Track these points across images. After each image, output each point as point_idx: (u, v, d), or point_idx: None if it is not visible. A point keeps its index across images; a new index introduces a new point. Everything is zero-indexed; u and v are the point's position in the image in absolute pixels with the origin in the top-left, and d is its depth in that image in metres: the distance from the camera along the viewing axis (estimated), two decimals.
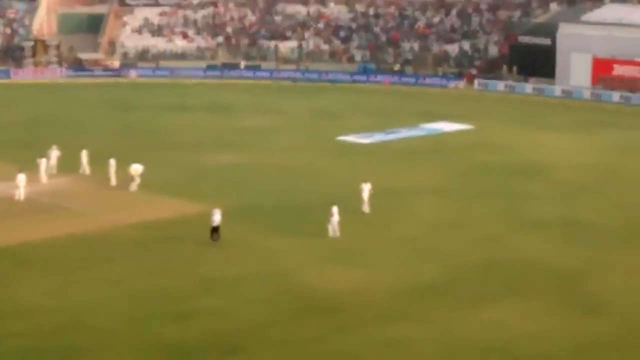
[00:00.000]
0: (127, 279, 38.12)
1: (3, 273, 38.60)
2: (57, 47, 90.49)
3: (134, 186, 50.36)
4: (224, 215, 43.14)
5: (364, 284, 37.72)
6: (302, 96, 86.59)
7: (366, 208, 47.97)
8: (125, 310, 34.46)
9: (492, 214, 48.54)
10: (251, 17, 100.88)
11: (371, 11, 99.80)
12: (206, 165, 58.57)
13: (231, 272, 38.74)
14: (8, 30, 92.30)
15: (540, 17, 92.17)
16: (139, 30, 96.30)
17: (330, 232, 44.57)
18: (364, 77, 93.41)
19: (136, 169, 51.85)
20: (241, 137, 66.95)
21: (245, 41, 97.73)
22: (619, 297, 35.47)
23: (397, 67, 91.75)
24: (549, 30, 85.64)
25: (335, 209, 44.58)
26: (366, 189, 47.38)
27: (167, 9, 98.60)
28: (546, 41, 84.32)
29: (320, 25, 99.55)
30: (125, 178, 53.21)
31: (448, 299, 35.71)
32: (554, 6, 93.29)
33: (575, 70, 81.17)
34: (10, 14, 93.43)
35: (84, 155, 55.43)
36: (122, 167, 53.86)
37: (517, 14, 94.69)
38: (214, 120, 73.84)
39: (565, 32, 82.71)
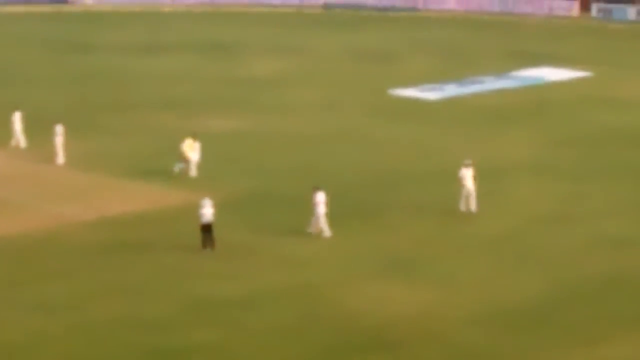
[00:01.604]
0: (82, 302, 36.86)
1: None
2: None
3: (189, 169, 51.53)
4: (218, 208, 42.64)
5: (431, 307, 36.57)
6: (337, 29, 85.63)
7: (472, 205, 47.23)
8: (78, 351, 33.26)
9: (616, 202, 48.16)
10: None
11: None
12: (193, 134, 57.07)
13: (233, 292, 37.55)
14: None
15: None
16: None
17: (312, 229, 44.81)
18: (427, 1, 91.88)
19: (191, 144, 52.87)
20: (245, 91, 69.95)
21: None
22: None
23: None
24: None
25: (321, 197, 44.76)
26: (468, 175, 46.61)
27: None
28: None
29: None
30: (77, 151, 54.36)
31: (552, 329, 34.61)
32: None
33: None
34: None
35: (17, 120, 56.64)
36: (75, 136, 55.28)
37: None
38: (205, 67, 74.49)
39: None
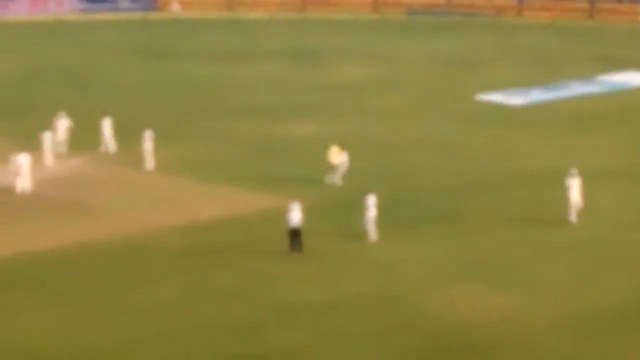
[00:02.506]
0: (169, 307, 37.15)
1: None
2: None
3: (334, 177, 51.11)
4: (306, 212, 42.68)
5: (516, 312, 36.59)
6: (421, 35, 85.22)
7: (573, 217, 46.64)
8: (165, 356, 33.73)
9: None
10: None
11: None
12: (281, 139, 59.91)
13: (320, 296, 37.76)
14: None
15: None
16: None
17: (370, 236, 44.81)
18: (514, 7, 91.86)
19: (337, 152, 52.71)
20: (331, 97, 70.00)
21: None
22: None
23: None
24: None
25: (371, 200, 44.55)
26: (574, 185, 46.03)
27: None
28: None
29: None
30: (165, 157, 54.97)
31: (638, 334, 34.88)
32: None
33: None
34: None
35: (106, 126, 57.06)
36: (163, 142, 55.91)
37: None
38: (291, 74, 74.28)
39: None
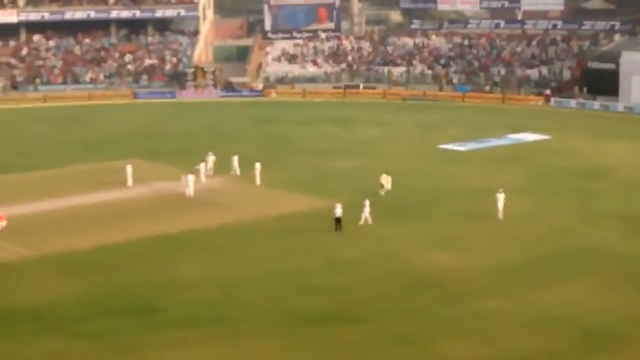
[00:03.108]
0: (267, 260, 40.36)
1: (169, 255, 41.53)
2: (213, 72, 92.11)
3: (382, 192, 51.05)
4: (344, 209, 44.96)
5: (460, 265, 39.54)
6: (410, 112, 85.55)
7: (500, 215, 47.20)
8: (266, 286, 36.75)
9: (564, 209, 49.42)
10: (368, 48, 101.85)
11: (466, 42, 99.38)
12: (330, 168, 60.04)
13: (351, 255, 40.86)
14: (174, 60, 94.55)
15: (606, 46, 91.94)
16: (278, 59, 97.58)
17: (362, 221, 45.89)
18: (460, 96, 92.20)
19: (385, 177, 53.08)
20: (358, 145, 68.93)
21: (363, 67, 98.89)
22: None
23: (487, 88, 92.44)
24: (614, 57, 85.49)
25: (367, 202, 46.33)
26: (501, 197, 46.75)
27: (300, 41, 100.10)
28: (611, 66, 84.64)
29: (425, 54, 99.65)
30: (265, 178, 56.19)
31: (528, 278, 37.41)
32: (617, 37, 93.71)
33: (635, 90, 79.21)
34: (176, 46, 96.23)
35: (235, 160, 58.05)
36: (265, 169, 57.35)
37: (587, 44, 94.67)
38: (336, 132, 74.68)
39: (627, 59, 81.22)
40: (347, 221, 45.48)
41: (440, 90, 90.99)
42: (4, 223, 45.49)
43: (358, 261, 40.31)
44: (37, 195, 52.61)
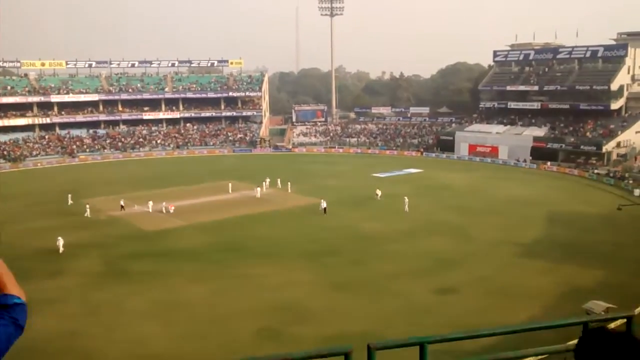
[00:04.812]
0: (293, 227, 43.68)
1: (249, 224, 44.48)
2: (269, 140, 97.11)
3: (405, 207, 47.87)
4: (328, 203, 48.07)
5: (383, 229, 42.32)
6: (359, 159, 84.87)
7: (406, 208, 46.91)
8: (293, 238, 40.37)
9: (429, 203, 50.95)
10: (339, 130, 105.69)
11: (384, 127, 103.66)
12: (323, 184, 60.26)
13: (331, 224, 43.68)
14: (251, 135, 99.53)
15: (449, 129, 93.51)
16: (298, 134, 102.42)
17: (321, 208, 46.08)
18: (382, 152, 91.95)
19: (378, 190, 52.82)
20: (336, 174, 69.26)
21: (337, 138, 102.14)
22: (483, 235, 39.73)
23: (393, 147, 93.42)
24: (452, 133, 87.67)
25: (323, 201, 47.17)
26: (406, 199, 47.87)
27: (309, 126, 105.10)
28: (451, 137, 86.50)
29: (365, 132, 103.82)
30: (293, 189, 56.93)
31: (413, 235, 40.79)
32: (453, 125, 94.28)
33: (462, 149, 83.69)
34: (252, 128, 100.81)
35: (279, 181, 60.04)
36: (292, 185, 57.99)
37: (440, 127, 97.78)
38: (326, 167, 74.64)
39: (458, 134, 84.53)
40: (330, 209, 47.32)
41: (369, 148, 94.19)
42: (173, 209, 48.75)
43: (334, 227, 42.52)
44: (188, 196, 55.41)
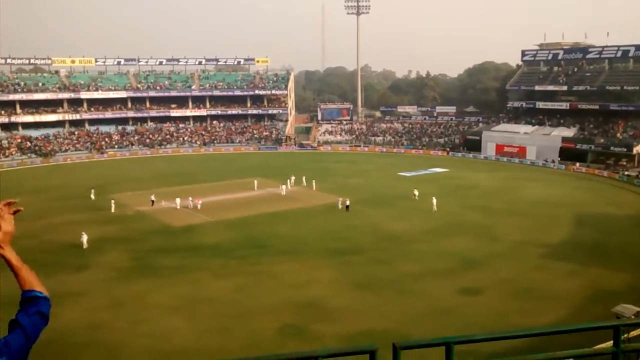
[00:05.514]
0: (317, 224, 43.54)
1: (273, 221, 44.41)
2: (294, 138, 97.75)
3: (434, 208, 47.69)
4: (352, 201, 48.24)
5: (407, 228, 42.10)
6: (383, 158, 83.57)
7: (435, 209, 46.89)
8: (317, 236, 39.91)
9: (455, 203, 51.04)
10: (364, 128, 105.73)
11: (410, 126, 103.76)
12: (346, 183, 61.05)
13: (354, 222, 43.38)
14: (276, 132, 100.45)
15: (475, 128, 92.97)
16: (324, 133, 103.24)
17: (340, 206, 46.16)
18: (408, 151, 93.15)
19: (415, 190, 52.26)
20: (360, 172, 69.21)
21: (362, 137, 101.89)
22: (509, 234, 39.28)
23: (419, 147, 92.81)
24: (479, 133, 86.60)
25: (343, 199, 47.28)
26: (434, 199, 48.04)
27: (334, 124, 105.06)
28: (478, 137, 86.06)
29: (391, 131, 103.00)
30: (318, 187, 57.35)
31: (438, 234, 40.50)
32: (480, 124, 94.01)
33: (488, 149, 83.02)
34: (278, 126, 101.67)
35: (304, 179, 60.25)
36: (317, 183, 58.81)
37: (466, 127, 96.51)
38: (350, 166, 74.59)
39: (485, 134, 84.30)
40: (354, 208, 47.37)
41: (394, 147, 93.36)
42: (200, 204, 48.97)
43: (357, 225, 42.14)
44: (214, 192, 55.51)
